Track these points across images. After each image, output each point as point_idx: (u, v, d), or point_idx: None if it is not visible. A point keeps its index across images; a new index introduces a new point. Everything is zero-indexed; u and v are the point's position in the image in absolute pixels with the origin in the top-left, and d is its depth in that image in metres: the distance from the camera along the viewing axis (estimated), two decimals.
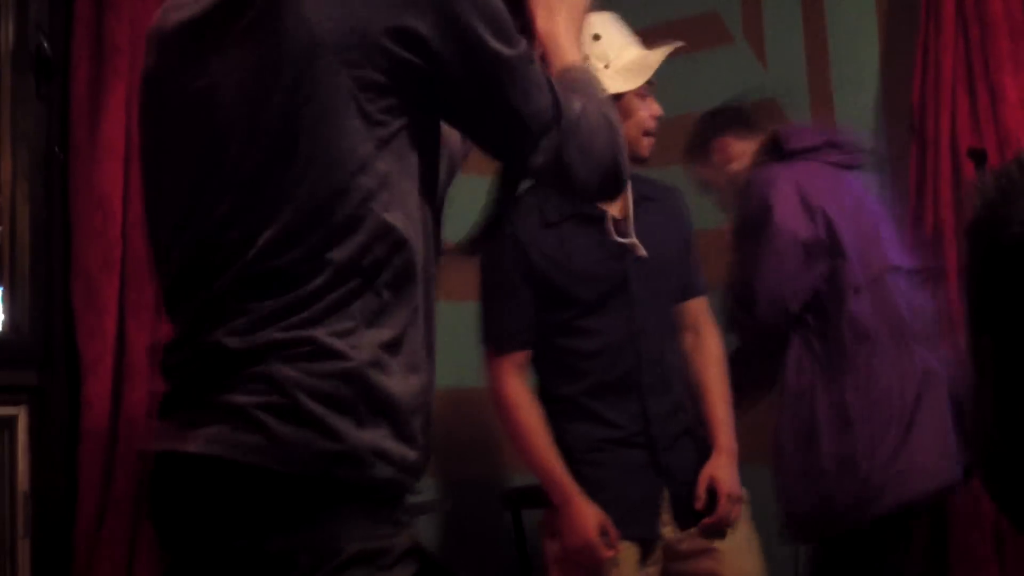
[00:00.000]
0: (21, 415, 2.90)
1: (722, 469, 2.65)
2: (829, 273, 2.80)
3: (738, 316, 2.89)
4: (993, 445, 1.01)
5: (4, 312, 3.00)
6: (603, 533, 2.55)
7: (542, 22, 1.78)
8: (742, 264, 2.87)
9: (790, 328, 2.84)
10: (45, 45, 2.97)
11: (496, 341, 2.69)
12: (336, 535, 1.44)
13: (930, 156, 3.37)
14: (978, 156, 3.10)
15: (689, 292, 2.81)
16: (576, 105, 1.62)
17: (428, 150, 1.58)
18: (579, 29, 1.80)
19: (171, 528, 1.54)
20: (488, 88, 1.55)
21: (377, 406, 1.48)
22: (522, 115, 1.57)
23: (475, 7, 1.52)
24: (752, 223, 2.85)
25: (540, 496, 3.85)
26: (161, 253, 1.65)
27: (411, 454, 1.52)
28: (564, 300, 2.65)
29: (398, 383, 1.50)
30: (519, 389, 2.67)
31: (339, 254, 1.47)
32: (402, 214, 1.51)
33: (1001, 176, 1.00)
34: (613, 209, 2.74)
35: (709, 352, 2.78)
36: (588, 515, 2.56)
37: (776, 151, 2.95)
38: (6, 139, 3.00)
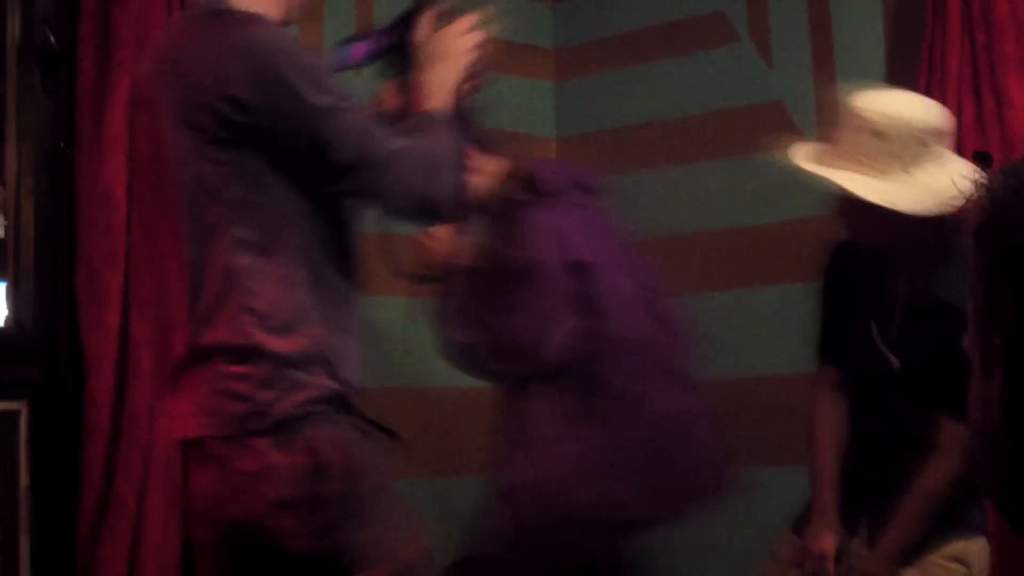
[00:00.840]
0: (24, 410, 2.89)
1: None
2: (585, 330, 2.70)
3: (484, 359, 2.76)
4: (999, 447, 1.01)
5: (8, 306, 3.00)
6: (837, 556, 2.58)
7: (418, 74, 2.13)
8: (499, 307, 2.72)
9: (540, 378, 2.72)
10: (51, 39, 2.97)
11: (817, 347, 2.76)
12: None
13: None
14: (983, 159, 3.09)
15: (943, 408, 2.52)
16: (395, 144, 1.97)
17: (291, 167, 1.91)
18: (454, 82, 2.11)
19: None
20: (303, 134, 1.90)
21: (266, 364, 1.88)
22: (329, 155, 1.91)
23: (293, 68, 1.89)
24: (515, 266, 2.72)
25: None
26: None
27: (317, 378, 1.91)
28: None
29: (281, 345, 1.88)
30: (823, 399, 2.70)
31: (212, 269, 1.91)
32: (263, 229, 1.90)
33: (1010, 175, 1.00)
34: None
35: (923, 479, 2.55)
36: (826, 531, 2.61)
37: (530, 188, 2.80)
38: (11, 133, 3.00)
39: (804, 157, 2.54)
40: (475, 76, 2.16)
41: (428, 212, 2.06)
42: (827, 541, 2.60)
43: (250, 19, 1.94)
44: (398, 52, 2.18)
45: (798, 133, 3.81)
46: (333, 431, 1.90)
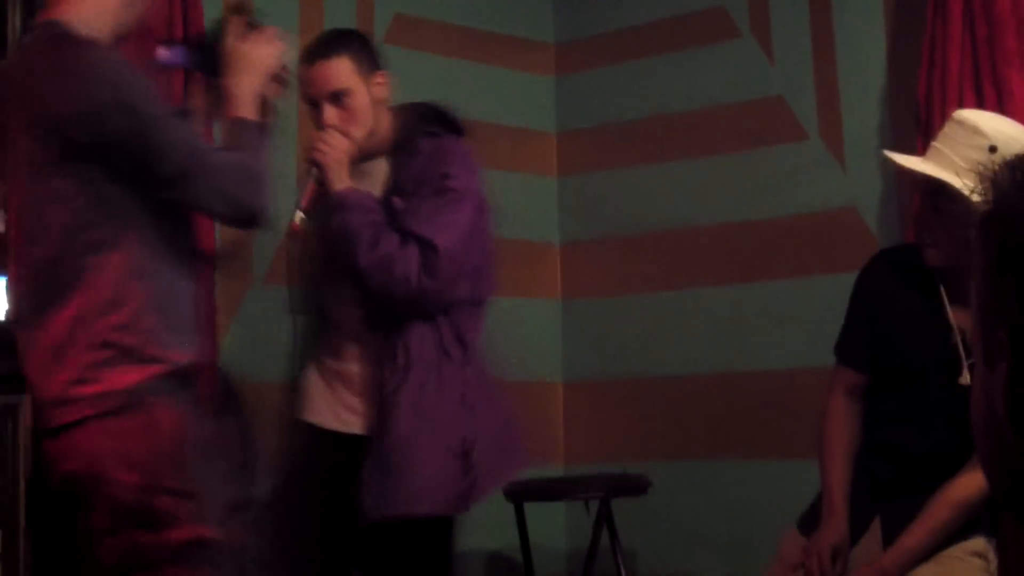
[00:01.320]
0: (24, 403, 2.90)
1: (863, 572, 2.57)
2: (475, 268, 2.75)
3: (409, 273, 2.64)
4: (1003, 439, 1.01)
5: (7, 300, 2.99)
6: (834, 555, 2.58)
7: (225, 81, 2.34)
8: (429, 220, 2.67)
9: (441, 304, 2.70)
10: None
11: (837, 348, 2.76)
12: None
13: None
14: None
15: None
16: (218, 158, 2.22)
17: (129, 175, 2.13)
18: (258, 90, 2.34)
19: None
20: (138, 147, 2.12)
21: (112, 351, 2.13)
22: (158, 166, 2.14)
23: (128, 87, 2.12)
24: (449, 188, 2.70)
25: (542, 490, 3.85)
26: None
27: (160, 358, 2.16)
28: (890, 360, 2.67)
29: (127, 333, 2.13)
30: (838, 402, 2.70)
31: (60, 271, 2.16)
32: (107, 231, 2.13)
33: (1016, 169, 1.00)
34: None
35: (953, 489, 2.55)
36: (831, 532, 2.60)
37: (449, 126, 2.79)
38: None
39: (908, 161, 2.56)
40: (277, 82, 2.40)
41: (247, 220, 2.31)
42: (832, 543, 2.59)
43: (86, 43, 2.15)
44: (209, 57, 2.41)
45: (799, 128, 3.82)
46: (171, 400, 2.13)
